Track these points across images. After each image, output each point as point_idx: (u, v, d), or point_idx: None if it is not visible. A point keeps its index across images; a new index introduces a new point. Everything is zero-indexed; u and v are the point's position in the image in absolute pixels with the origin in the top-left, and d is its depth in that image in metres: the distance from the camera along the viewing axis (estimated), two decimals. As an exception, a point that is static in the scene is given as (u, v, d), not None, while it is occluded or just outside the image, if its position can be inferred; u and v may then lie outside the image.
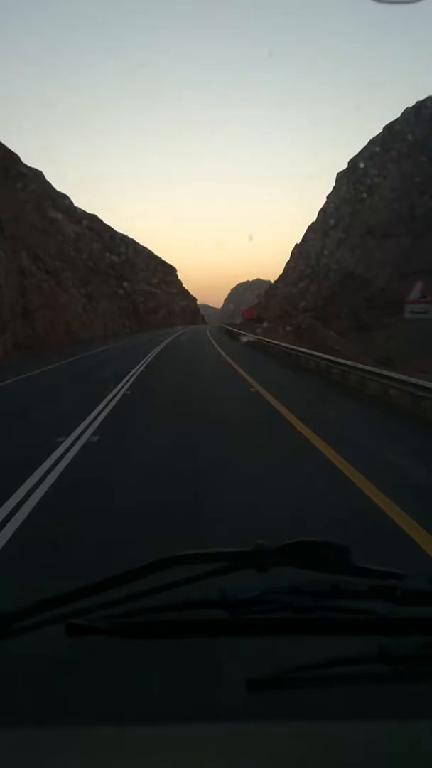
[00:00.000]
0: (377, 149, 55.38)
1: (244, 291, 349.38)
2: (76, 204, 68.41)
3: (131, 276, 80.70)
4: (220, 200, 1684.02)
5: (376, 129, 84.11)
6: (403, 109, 54.96)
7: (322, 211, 74.17)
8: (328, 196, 74.81)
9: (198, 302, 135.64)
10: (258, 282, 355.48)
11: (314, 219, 79.53)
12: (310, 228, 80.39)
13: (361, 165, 57.67)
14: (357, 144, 72.19)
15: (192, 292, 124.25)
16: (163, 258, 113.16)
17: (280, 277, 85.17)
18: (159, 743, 0.84)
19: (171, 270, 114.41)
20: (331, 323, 34.34)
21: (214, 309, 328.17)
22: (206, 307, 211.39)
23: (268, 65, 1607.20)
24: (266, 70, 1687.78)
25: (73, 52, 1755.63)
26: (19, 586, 2.79)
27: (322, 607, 0.83)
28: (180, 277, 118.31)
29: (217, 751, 0.82)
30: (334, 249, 57.49)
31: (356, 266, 48.41)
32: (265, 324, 48.42)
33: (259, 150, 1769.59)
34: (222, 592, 0.82)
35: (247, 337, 34.69)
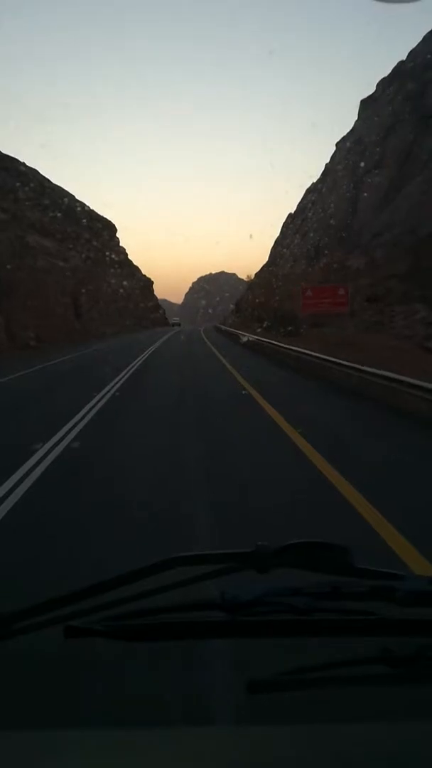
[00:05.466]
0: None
1: (207, 284, 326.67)
2: None
3: None
4: (183, 192, 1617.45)
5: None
6: None
7: (339, 158, 52.01)
8: (341, 140, 52.80)
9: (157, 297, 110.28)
10: (223, 275, 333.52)
11: (314, 179, 57.56)
12: (310, 190, 58.36)
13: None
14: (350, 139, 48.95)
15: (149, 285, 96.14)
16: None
17: (270, 259, 63.06)
18: (159, 745, 0.82)
19: (107, 226, 63.85)
20: None
21: (175, 304, 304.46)
22: (165, 301, 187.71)
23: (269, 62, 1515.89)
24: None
25: (71, 40, 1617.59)
26: (19, 585, 2.66)
27: (323, 609, 0.82)
28: (125, 247, 71.04)
29: (217, 753, 0.80)
30: (380, 201, 35.35)
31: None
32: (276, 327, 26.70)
33: (229, 142, 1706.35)
34: (222, 594, 0.81)
35: None
